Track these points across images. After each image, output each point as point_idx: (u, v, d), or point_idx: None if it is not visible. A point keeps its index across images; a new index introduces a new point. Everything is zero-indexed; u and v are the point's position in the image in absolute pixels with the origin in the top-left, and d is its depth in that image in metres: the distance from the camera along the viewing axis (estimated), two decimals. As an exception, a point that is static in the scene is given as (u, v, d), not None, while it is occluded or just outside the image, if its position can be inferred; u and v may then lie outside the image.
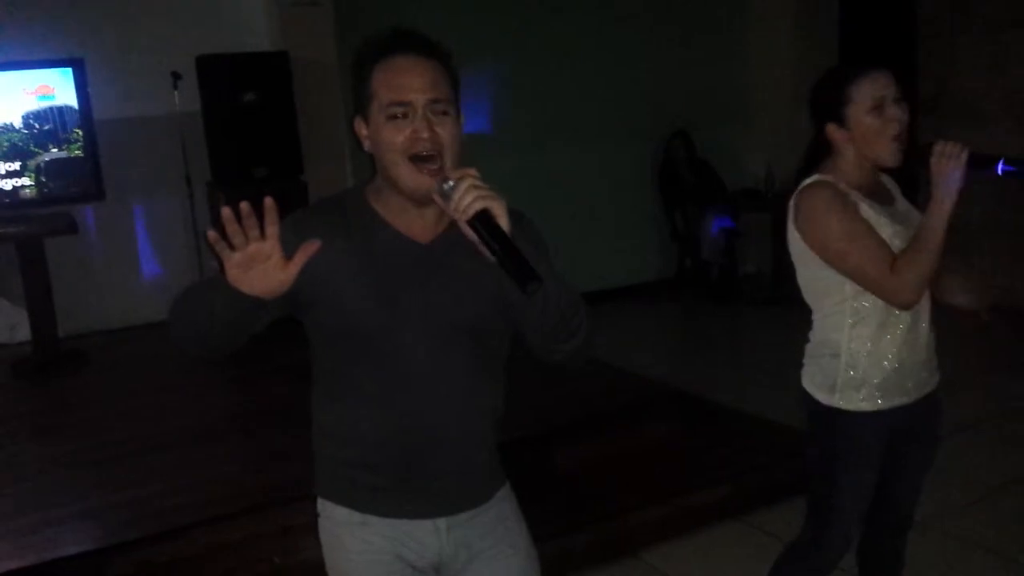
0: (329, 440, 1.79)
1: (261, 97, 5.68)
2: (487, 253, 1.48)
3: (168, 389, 5.00)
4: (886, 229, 2.25)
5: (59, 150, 5.38)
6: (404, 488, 1.75)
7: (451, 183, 1.50)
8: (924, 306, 2.33)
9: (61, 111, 5.36)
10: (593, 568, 3.42)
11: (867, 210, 2.27)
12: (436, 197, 1.54)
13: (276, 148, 5.75)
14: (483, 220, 1.47)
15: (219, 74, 5.65)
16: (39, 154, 5.33)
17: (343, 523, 1.78)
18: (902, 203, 2.42)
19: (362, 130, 1.67)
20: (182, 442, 3.99)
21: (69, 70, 5.34)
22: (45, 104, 5.32)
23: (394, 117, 1.59)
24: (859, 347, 2.30)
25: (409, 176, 1.60)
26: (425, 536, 1.78)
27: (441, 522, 1.78)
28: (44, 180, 5.34)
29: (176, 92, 5.72)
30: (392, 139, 1.59)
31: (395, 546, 1.76)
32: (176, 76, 5.70)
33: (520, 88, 6.80)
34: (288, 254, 1.48)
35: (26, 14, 5.46)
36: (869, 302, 2.28)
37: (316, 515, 1.85)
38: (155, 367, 5.28)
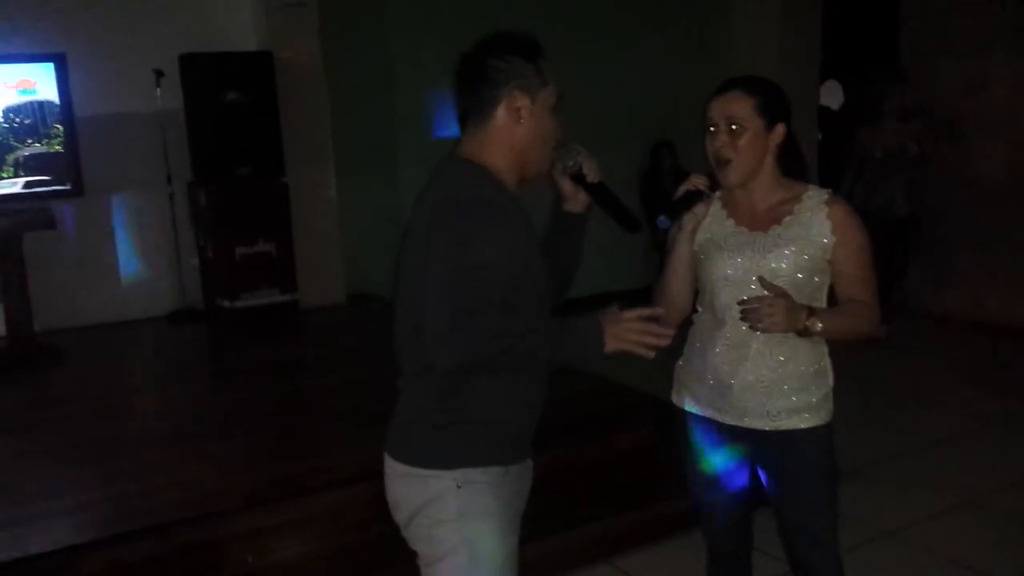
0: (499, 410, 1.96)
1: (244, 97, 5.67)
2: (592, 203, 2.10)
3: (142, 388, 4.99)
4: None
5: (39, 145, 5.35)
6: (529, 436, 2.08)
7: (578, 159, 2.03)
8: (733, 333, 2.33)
9: (42, 106, 5.33)
10: (566, 574, 3.43)
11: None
12: (558, 166, 2.04)
13: (258, 148, 5.75)
14: (598, 184, 2.07)
15: (202, 73, 5.65)
16: (18, 148, 5.30)
17: (491, 482, 1.94)
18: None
19: (523, 102, 1.94)
20: (156, 441, 3.97)
21: (51, 65, 5.32)
22: (26, 99, 5.29)
23: (555, 108, 2.00)
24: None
25: (547, 160, 2.03)
26: (528, 472, 2.11)
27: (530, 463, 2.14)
28: (23, 175, 5.31)
29: (158, 90, 5.70)
30: (554, 127, 2.00)
31: (518, 497, 2.04)
32: (159, 74, 5.69)
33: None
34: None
35: (8, 8, 5.43)
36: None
37: (449, 489, 1.92)
38: (130, 365, 5.25)
